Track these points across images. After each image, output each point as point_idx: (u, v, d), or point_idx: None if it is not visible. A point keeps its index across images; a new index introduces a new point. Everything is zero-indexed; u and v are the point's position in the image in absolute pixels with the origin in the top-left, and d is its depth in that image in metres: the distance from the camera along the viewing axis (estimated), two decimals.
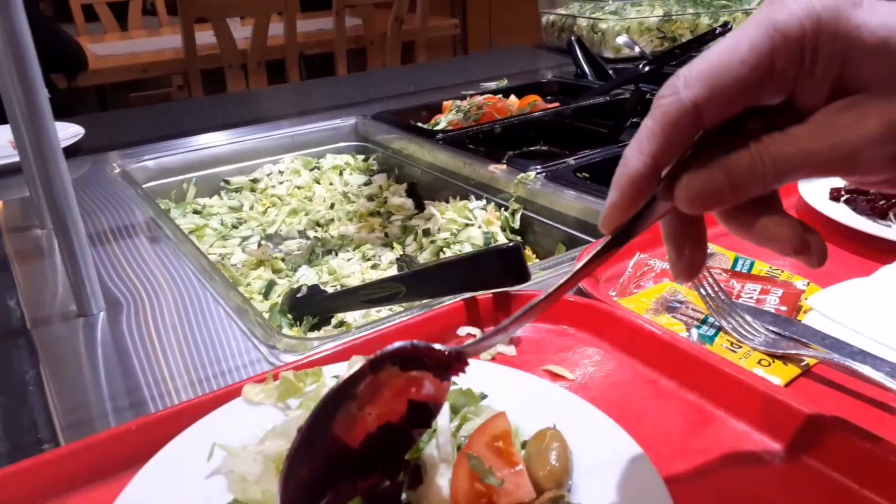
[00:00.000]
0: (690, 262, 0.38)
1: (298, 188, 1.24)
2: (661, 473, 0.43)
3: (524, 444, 0.45)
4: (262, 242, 1.07)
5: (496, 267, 0.63)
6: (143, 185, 1.15)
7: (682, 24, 1.74)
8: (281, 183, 1.25)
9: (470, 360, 0.56)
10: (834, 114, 0.31)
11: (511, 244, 0.61)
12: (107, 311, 0.73)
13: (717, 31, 1.28)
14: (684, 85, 0.33)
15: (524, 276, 0.61)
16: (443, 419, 0.44)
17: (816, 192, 0.84)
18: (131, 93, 3.55)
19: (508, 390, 0.51)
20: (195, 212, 1.17)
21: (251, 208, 1.20)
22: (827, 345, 0.57)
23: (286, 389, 0.50)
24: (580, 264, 0.39)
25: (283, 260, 1.04)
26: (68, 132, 1.24)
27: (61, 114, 2.21)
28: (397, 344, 0.39)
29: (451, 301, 0.66)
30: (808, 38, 0.31)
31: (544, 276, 0.76)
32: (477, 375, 0.53)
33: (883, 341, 0.59)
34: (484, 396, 0.49)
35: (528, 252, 1.01)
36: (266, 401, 0.51)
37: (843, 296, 0.65)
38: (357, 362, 0.52)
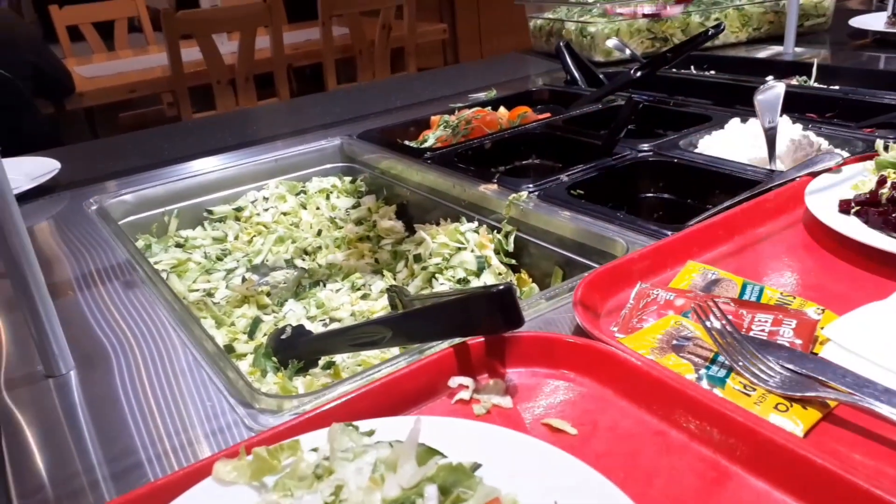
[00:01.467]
0: None
1: (284, 214, 1.20)
2: None
3: None
4: (247, 276, 1.03)
5: (487, 310, 0.58)
6: (123, 221, 1.11)
7: (673, 24, 1.70)
8: (266, 210, 1.20)
9: (461, 422, 0.52)
10: None
11: (503, 286, 0.56)
12: (77, 370, 0.68)
13: (711, 33, 1.24)
14: None
15: (517, 320, 0.57)
16: None
17: (824, 205, 0.80)
18: (121, 112, 3.51)
19: (505, 457, 0.47)
20: (177, 245, 1.12)
21: (236, 238, 1.16)
22: (848, 383, 0.53)
23: (259, 467, 0.46)
24: None
25: (268, 294, 0.99)
26: (43, 167, 1.20)
27: (47, 140, 2.17)
28: None
29: (440, 347, 0.61)
30: None
31: (545, 308, 0.71)
32: (470, 441, 0.49)
33: None
34: (477, 467, 0.45)
35: (524, 276, 0.97)
36: (238, 480, 0.46)
37: (861, 324, 0.60)
38: (338, 430, 0.47)
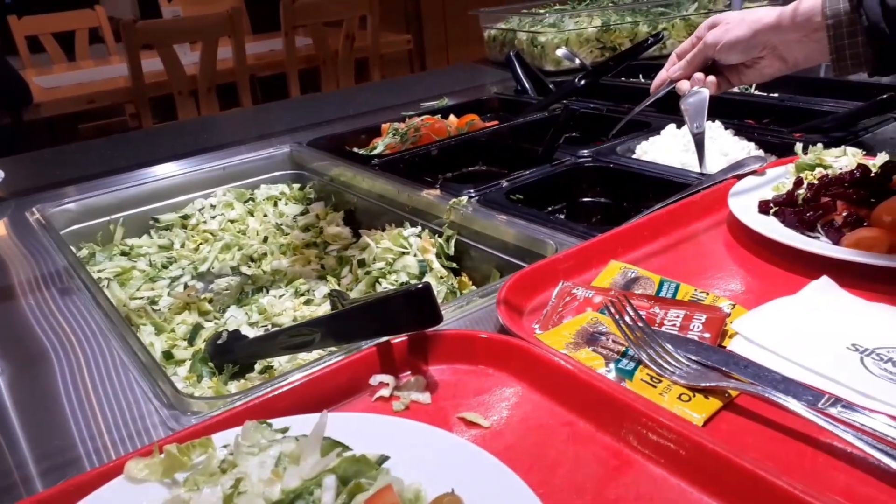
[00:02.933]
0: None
1: (231, 222, 1.20)
2: None
3: None
4: (189, 284, 1.03)
5: (407, 309, 0.60)
6: (66, 230, 1.11)
7: (621, 34, 1.74)
8: (213, 217, 1.20)
9: (374, 417, 0.53)
10: None
11: (420, 285, 0.58)
12: (6, 374, 0.68)
13: (650, 42, 1.27)
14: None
15: (435, 317, 0.59)
16: (327, 496, 0.40)
17: (746, 206, 0.83)
18: (82, 124, 3.47)
19: (412, 450, 0.48)
20: (123, 254, 1.12)
21: (182, 246, 1.16)
22: (749, 373, 0.55)
23: (170, 464, 0.47)
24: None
25: (210, 301, 1.00)
26: None
27: (2, 151, 2.14)
28: None
29: (366, 346, 0.63)
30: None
31: (475, 307, 0.73)
32: (380, 435, 0.50)
33: (807, 365, 0.57)
34: (384, 460, 0.46)
35: (465, 279, 0.99)
36: (150, 477, 0.47)
37: (767, 318, 0.63)
38: (251, 427, 0.48)
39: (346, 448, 0.45)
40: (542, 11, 1.84)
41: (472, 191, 1.01)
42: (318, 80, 3.47)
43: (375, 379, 0.59)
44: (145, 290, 1.04)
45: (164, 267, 1.10)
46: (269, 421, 0.50)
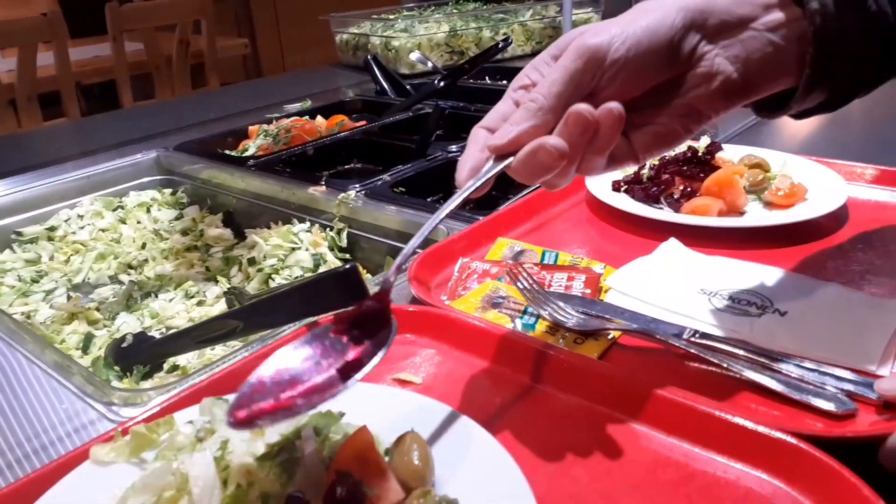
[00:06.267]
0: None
1: (103, 231, 1.17)
2: (511, 455, 0.49)
3: (387, 451, 0.48)
4: (72, 294, 1.00)
5: (334, 290, 0.65)
6: None
7: (468, 39, 1.87)
8: (82, 228, 1.16)
9: None
10: None
11: (348, 266, 0.64)
12: None
13: (500, 46, 1.40)
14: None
15: (363, 294, 0.65)
16: (309, 444, 0.46)
17: (601, 186, 0.96)
18: None
19: (364, 404, 0.54)
20: None
21: (51, 259, 1.11)
22: (626, 318, 0.67)
23: (139, 444, 0.49)
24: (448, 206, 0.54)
25: (97, 309, 0.98)
26: None
27: None
28: None
29: (291, 329, 0.67)
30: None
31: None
32: None
33: (669, 307, 0.70)
34: (342, 415, 0.52)
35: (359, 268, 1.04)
36: (118, 459, 0.49)
37: (633, 274, 0.76)
38: (210, 405, 0.52)
39: None
40: (391, 17, 1.93)
41: (357, 185, 1.07)
42: (151, 87, 3.32)
43: None
44: (18, 305, 0.99)
45: (35, 281, 1.05)
46: (224, 397, 0.54)
